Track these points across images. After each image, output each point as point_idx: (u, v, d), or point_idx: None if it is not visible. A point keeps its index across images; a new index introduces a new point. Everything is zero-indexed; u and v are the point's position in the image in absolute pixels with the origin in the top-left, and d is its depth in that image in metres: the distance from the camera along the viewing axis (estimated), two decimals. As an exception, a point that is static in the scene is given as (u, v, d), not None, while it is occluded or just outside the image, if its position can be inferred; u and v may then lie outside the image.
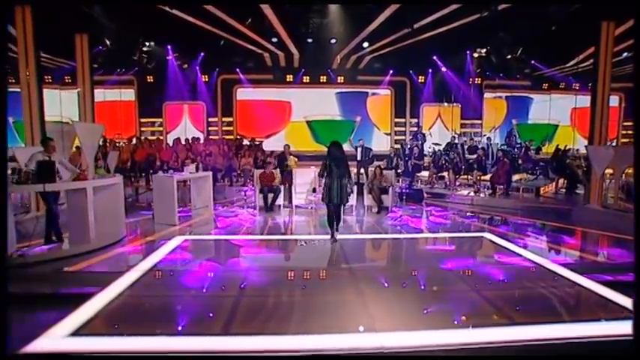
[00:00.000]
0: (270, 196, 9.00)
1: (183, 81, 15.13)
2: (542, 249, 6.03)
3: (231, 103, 16.30)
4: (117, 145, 12.77)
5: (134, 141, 13.81)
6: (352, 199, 8.91)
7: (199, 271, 4.85)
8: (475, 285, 4.42)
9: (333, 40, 12.18)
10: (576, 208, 8.56)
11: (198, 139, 13.94)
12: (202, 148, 13.33)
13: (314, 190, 9.45)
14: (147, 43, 12.43)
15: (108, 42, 11.15)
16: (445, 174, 11.90)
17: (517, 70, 13.64)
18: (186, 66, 14.72)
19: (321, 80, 16.21)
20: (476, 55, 13.28)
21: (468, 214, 8.81)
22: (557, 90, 16.54)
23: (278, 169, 9.81)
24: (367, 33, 11.52)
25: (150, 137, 14.53)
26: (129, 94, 15.72)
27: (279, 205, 9.14)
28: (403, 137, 16.59)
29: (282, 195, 9.15)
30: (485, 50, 12.72)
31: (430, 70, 15.68)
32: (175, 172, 8.01)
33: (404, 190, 9.28)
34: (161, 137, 15.06)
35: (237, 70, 15.44)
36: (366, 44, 12.55)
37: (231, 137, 15.62)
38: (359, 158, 12.67)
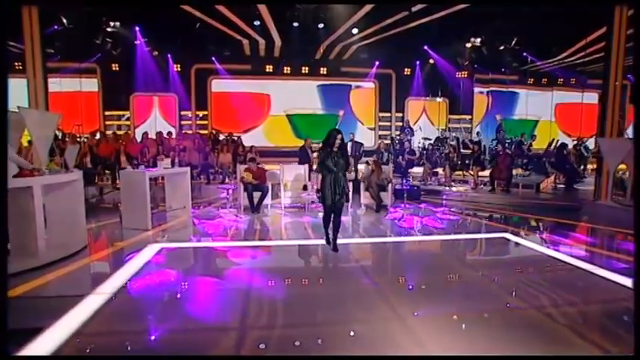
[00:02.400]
0: (257, 195, 7.99)
1: (154, 70, 13.76)
2: (576, 251, 5.34)
3: (206, 95, 15.08)
4: (77, 139, 11.32)
5: (98, 135, 12.37)
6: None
7: (183, 291, 3.82)
8: (532, 300, 3.64)
9: (321, 25, 11.25)
10: (586, 204, 8.03)
11: (170, 133, 12.67)
12: (175, 142, 12.10)
13: (304, 188, 8.53)
14: (112, 24, 10.99)
15: (65, 21, 9.72)
16: (440, 170, 11.25)
17: (508, 62, 13.16)
18: (156, 53, 13.36)
19: (303, 71, 15.26)
20: (469, 45, 12.68)
21: (472, 212, 8.11)
22: (542, 86, 16.32)
23: (263, 165, 8.82)
24: (359, 17, 10.60)
25: (117, 131, 13.11)
26: (91, 85, 14.18)
27: (267, 205, 8.17)
28: (388, 132, 15.92)
29: (269, 194, 8.18)
30: (479, 40, 12.12)
31: (418, 62, 15.01)
32: (147, 167, 6.84)
33: (404, 187, 8.49)
34: (129, 132, 13.65)
35: (213, 59, 14.23)
36: (355, 31, 11.68)
37: (206, 132, 14.41)
38: (350, 154, 11.84)
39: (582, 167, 12.44)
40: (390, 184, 8.32)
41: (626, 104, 13.86)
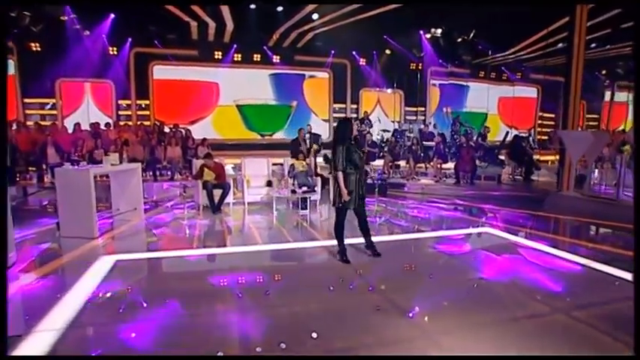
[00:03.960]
0: (217, 193, 7.16)
1: (85, 53, 12.06)
2: (562, 244, 5.26)
3: (147, 83, 13.62)
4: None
5: (15, 126, 10.59)
6: (317, 194, 7.58)
7: (156, 319, 3.05)
8: (551, 302, 3.37)
9: (280, 8, 10.47)
10: (551, 195, 8.20)
11: (109, 124, 11.24)
12: (115, 135, 10.73)
13: (269, 184, 7.86)
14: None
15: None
16: (402, 162, 11.08)
17: (464, 55, 13.31)
18: (88, 32, 11.70)
19: (255, 59, 14.35)
20: (428, 35, 12.60)
21: (446, 205, 7.92)
22: (494, 80, 16.88)
23: (222, 160, 7.99)
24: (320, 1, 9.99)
25: (41, 122, 11.37)
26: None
27: (229, 203, 7.38)
28: (343, 124, 15.55)
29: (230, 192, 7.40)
30: (440, 31, 12.06)
31: (375, 53, 14.74)
32: (90, 164, 5.75)
33: (376, 182, 8.11)
34: (57, 122, 11.92)
35: (156, 42, 12.84)
36: (315, 16, 11.05)
37: (149, 123, 13.02)
38: (308, 146, 11.30)
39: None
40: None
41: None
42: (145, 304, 3.27)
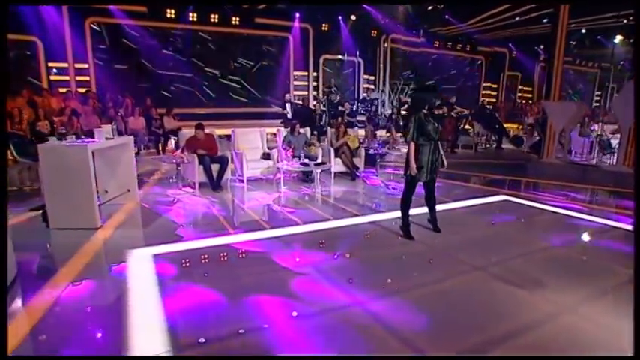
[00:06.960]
0: (216, 168, 6.41)
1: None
2: (579, 207, 5.51)
3: (85, 42, 11.69)
4: None
5: None
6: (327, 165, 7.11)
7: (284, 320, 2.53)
8: None
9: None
10: (532, 162, 8.63)
11: (46, 90, 9.48)
12: (58, 103, 9.10)
13: (266, 157, 7.25)
14: None
15: None
16: (382, 132, 10.94)
17: (430, 24, 13.26)
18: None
19: (212, 20, 13.01)
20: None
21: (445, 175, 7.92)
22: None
23: (213, 132, 7.13)
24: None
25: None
26: None
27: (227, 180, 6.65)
28: (305, 92, 14.99)
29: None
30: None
31: (340, 17, 14.13)
32: (69, 139, 4.63)
33: (377, 152, 7.84)
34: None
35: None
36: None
37: (90, 90, 11.24)
38: (290, 117, 10.67)
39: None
40: (363, 149, 7.65)
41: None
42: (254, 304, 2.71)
